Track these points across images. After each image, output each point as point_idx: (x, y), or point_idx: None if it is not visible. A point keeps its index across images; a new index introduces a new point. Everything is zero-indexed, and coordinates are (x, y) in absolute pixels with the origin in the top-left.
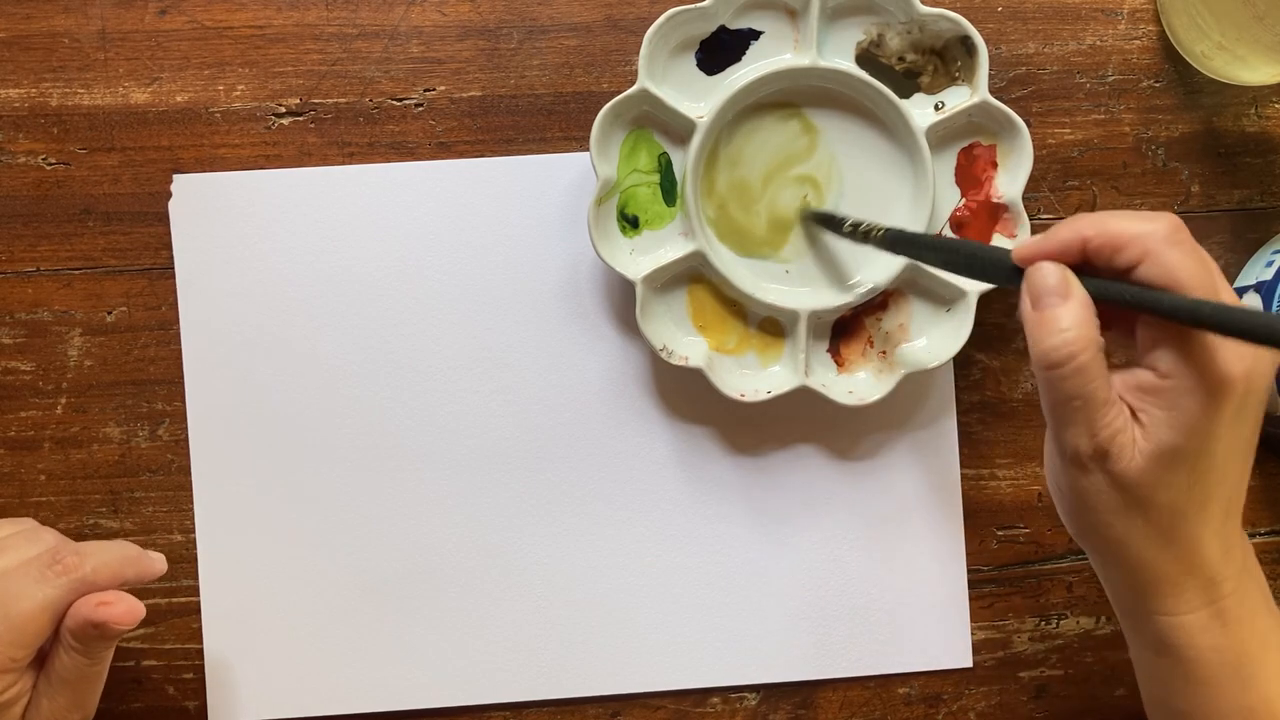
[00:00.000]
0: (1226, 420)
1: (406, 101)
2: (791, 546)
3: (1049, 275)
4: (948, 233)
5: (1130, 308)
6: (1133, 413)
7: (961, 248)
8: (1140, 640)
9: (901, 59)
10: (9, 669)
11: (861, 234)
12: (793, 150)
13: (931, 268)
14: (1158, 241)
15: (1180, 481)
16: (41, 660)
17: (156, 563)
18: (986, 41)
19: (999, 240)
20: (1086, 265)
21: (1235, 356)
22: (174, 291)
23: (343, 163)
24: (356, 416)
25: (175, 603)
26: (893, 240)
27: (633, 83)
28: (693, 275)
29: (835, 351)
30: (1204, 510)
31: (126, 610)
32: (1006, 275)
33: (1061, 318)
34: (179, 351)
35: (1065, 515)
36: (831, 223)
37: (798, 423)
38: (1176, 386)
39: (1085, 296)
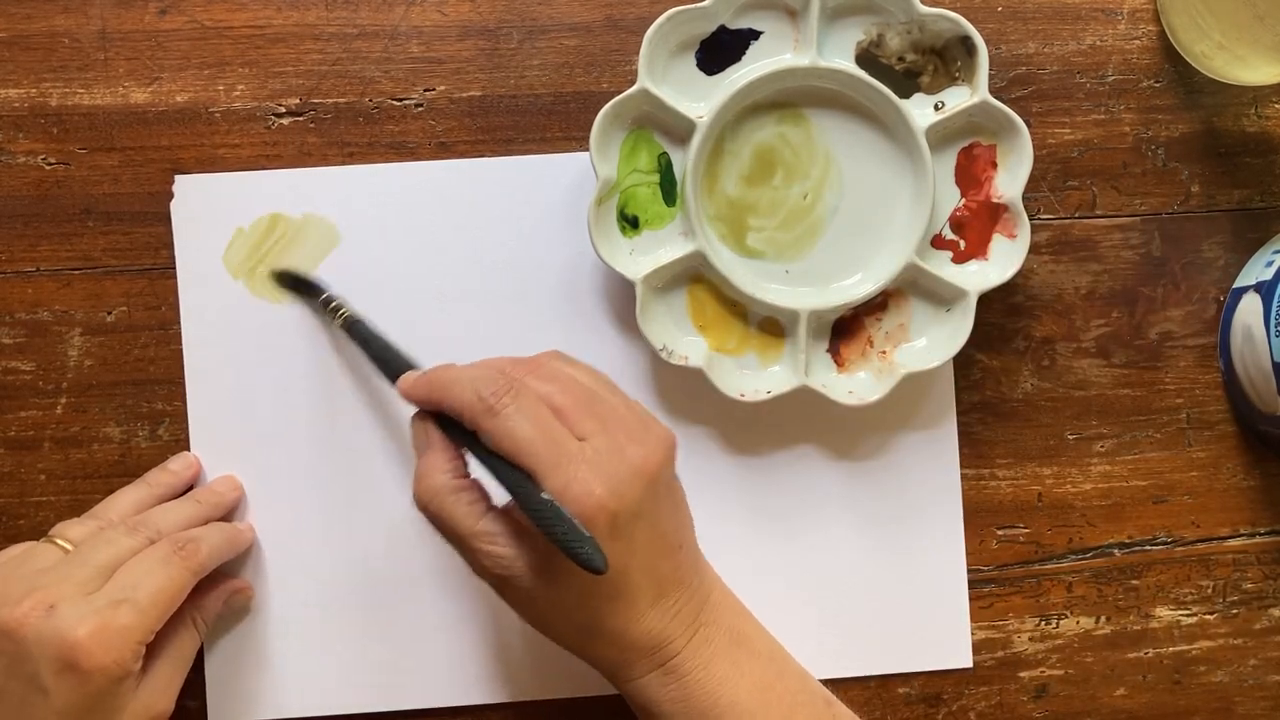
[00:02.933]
0: (603, 543)
1: (406, 101)
2: (791, 546)
3: (414, 430)
4: (948, 233)
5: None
6: (527, 532)
7: (379, 356)
8: (632, 706)
9: (901, 59)
10: (147, 640)
11: (331, 310)
12: (791, 150)
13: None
14: (479, 415)
15: (576, 591)
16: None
17: (247, 534)
18: (986, 41)
19: (998, 241)
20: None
21: (587, 493)
22: (174, 291)
23: (343, 163)
24: (356, 415)
25: None
26: (349, 326)
27: (633, 83)
28: (693, 275)
29: (835, 351)
30: (616, 604)
31: (249, 585)
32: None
33: (419, 468)
34: (179, 351)
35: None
36: (308, 290)
37: (798, 423)
38: (532, 531)
39: (441, 445)
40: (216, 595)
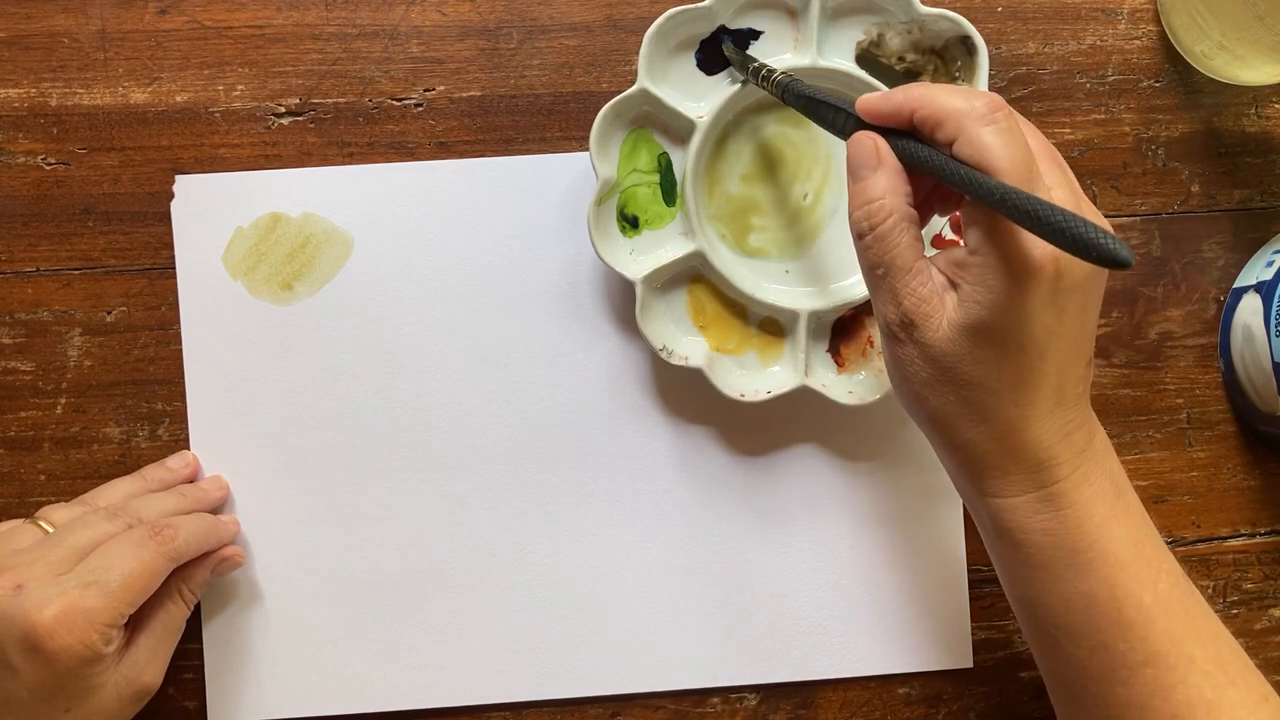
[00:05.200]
0: (1037, 303)
1: (406, 101)
2: (791, 546)
3: (863, 146)
4: (948, 233)
5: (937, 178)
6: (953, 285)
7: (821, 100)
8: (981, 525)
9: (902, 59)
10: (116, 623)
11: (761, 78)
12: (792, 150)
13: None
14: (971, 120)
15: (988, 357)
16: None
17: (231, 526)
18: (987, 41)
19: None
20: (914, 133)
21: (1042, 242)
22: (174, 291)
23: (343, 163)
24: (355, 417)
25: None
26: (783, 88)
27: (633, 83)
28: (693, 275)
29: (835, 351)
30: (1019, 391)
31: (238, 552)
32: (851, 130)
33: (870, 188)
34: (179, 351)
35: (894, 389)
36: (737, 60)
37: (798, 423)
38: (984, 263)
39: (896, 168)
40: (204, 565)
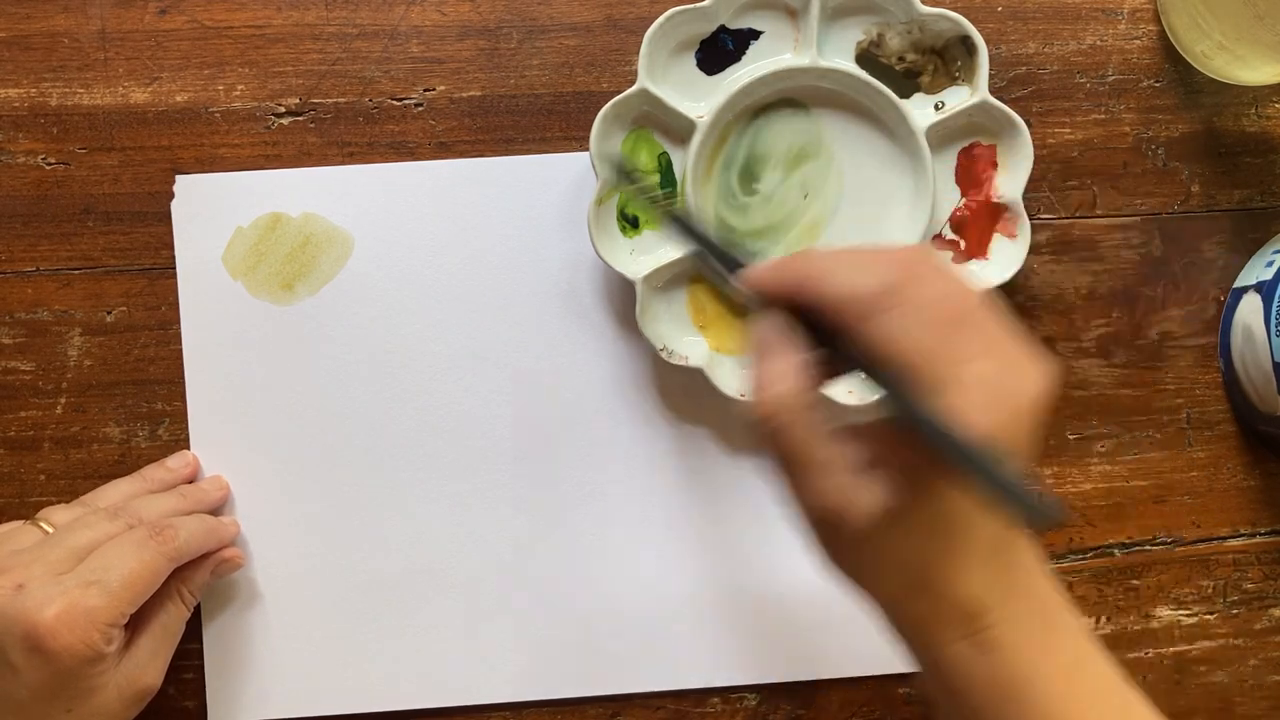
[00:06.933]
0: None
1: (406, 101)
2: (792, 546)
3: (764, 330)
4: (948, 233)
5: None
6: (871, 466)
7: (712, 252)
8: (921, 684)
9: (901, 59)
10: (117, 622)
11: (653, 200)
12: (792, 150)
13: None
14: (862, 313)
15: (918, 539)
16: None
17: (231, 528)
18: (986, 41)
19: (998, 241)
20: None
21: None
22: (174, 291)
23: (343, 163)
24: (355, 416)
25: None
26: (673, 219)
27: (633, 83)
28: (693, 275)
29: None
30: (953, 556)
31: (237, 554)
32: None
33: (766, 372)
34: (179, 351)
35: (826, 571)
36: (632, 180)
37: None
38: (911, 458)
39: (796, 357)
40: (204, 566)
